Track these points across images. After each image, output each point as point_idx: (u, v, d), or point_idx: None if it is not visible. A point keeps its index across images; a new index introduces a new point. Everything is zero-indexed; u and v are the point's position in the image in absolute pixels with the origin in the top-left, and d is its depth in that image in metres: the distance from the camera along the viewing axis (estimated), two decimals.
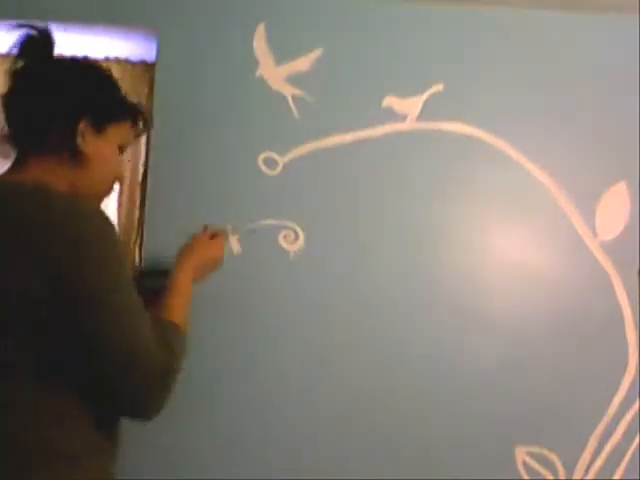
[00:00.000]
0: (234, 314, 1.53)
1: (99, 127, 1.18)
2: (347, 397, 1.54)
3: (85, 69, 1.21)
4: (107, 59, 1.87)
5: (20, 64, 1.18)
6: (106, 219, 1.07)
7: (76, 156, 1.14)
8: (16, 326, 1.01)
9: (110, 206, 1.92)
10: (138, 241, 1.55)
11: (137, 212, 1.79)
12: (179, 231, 1.55)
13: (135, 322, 1.05)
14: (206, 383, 1.41)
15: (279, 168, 1.59)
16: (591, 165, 1.60)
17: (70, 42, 1.88)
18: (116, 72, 1.78)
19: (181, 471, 1.50)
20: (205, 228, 1.51)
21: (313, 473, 1.51)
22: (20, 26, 1.17)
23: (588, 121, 1.61)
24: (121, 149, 1.25)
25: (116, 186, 1.29)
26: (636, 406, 1.54)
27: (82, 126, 1.14)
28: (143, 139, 1.88)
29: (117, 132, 1.22)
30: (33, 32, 1.18)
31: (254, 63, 1.61)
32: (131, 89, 1.90)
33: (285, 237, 1.57)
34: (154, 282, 1.36)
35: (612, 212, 1.59)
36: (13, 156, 1.17)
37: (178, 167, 1.57)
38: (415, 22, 1.63)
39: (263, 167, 1.59)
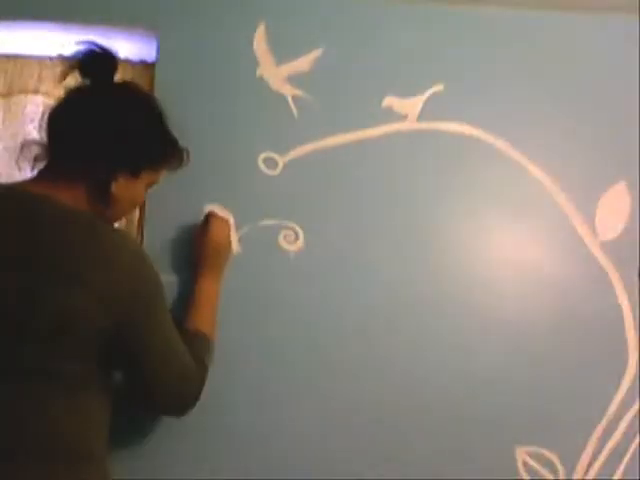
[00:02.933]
0: (234, 314, 1.53)
1: (136, 174, 1.20)
2: (347, 397, 1.54)
3: (136, 107, 1.21)
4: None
5: (81, 83, 1.19)
6: (152, 262, 1.17)
7: (106, 198, 1.16)
8: (70, 342, 1.07)
9: None
10: (138, 241, 1.55)
11: (137, 212, 1.79)
12: (179, 231, 1.55)
13: (177, 349, 1.20)
14: (206, 383, 1.40)
15: (279, 168, 1.59)
16: (591, 165, 1.60)
17: (70, 42, 1.88)
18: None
19: (181, 471, 1.50)
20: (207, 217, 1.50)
21: (313, 473, 1.51)
22: (84, 43, 1.18)
23: (588, 121, 1.61)
24: (149, 186, 1.28)
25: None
26: (636, 406, 1.54)
27: (121, 175, 1.16)
28: None
29: (151, 175, 1.25)
30: (97, 50, 1.19)
31: (254, 63, 1.61)
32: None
33: (285, 237, 1.57)
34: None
35: (612, 212, 1.59)
36: (39, 165, 1.17)
37: None
38: (415, 22, 1.63)
39: (263, 167, 1.59)
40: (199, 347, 1.30)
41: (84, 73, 1.20)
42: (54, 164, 1.17)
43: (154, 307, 1.15)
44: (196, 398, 1.26)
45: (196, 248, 1.46)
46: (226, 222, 1.49)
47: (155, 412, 1.38)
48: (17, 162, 1.21)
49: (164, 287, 1.21)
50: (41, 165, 1.18)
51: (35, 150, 1.18)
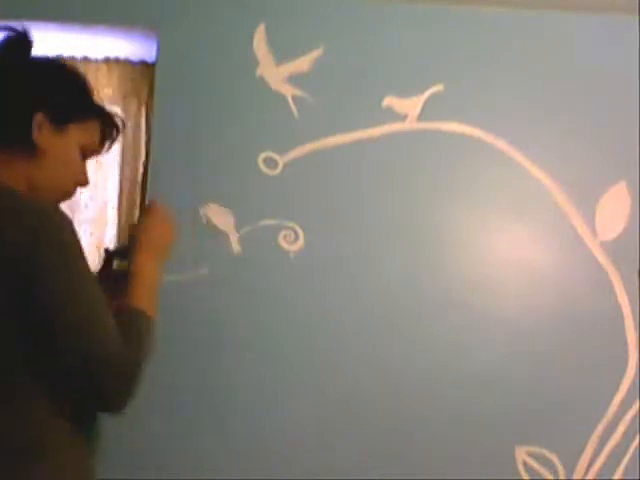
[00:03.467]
0: (234, 314, 1.53)
1: (59, 124, 1.16)
2: (347, 396, 1.54)
3: (52, 66, 1.20)
4: (107, 59, 1.87)
5: None
6: (63, 215, 1.04)
7: (32, 150, 1.13)
8: None
9: (110, 206, 1.92)
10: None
11: (137, 212, 1.80)
12: (179, 232, 1.55)
13: (95, 315, 1.03)
14: (205, 383, 1.41)
15: (279, 168, 1.59)
16: (591, 165, 1.60)
17: (70, 42, 1.88)
18: (116, 72, 1.78)
19: (182, 472, 1.50)
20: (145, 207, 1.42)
21: (312, 473, 1.51)
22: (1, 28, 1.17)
23: (588, 121, 1.61)
24: (85, 153, 1.22)
25: (81, 189, 1.26)
26: (636, 406, 1.54)
27: (39, 118, 1.13)
28: (143, 138, 1.88)
29: (79, 132, 1.19)
30: (12, 34, 1.18)
31: (254, 63, 1.60)
32: (131, 89, 1.91)
33: (285, 237, 1.57)
34: (122, 263, 1.31)
35: (612, 212, 1.59)
36: None
37: (178, 167, 1.57)
38: (415, 22, 1.63)
39: (263, 167, 1.59)
40: (133, 323, 1.11)
41: (1, 57, 1.20)
42: None
43: (60, 270, 1.01)
44: (129, 383, 1.04)
45: (138, 234, 1.34)
46: (159, 212, 1.37)
47: (89, 404, 1.10)
48: None
49: (77, 247, 1.04)
50: None
51: None
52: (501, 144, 1.60)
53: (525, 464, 1.53)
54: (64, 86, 1.20)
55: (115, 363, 1.02)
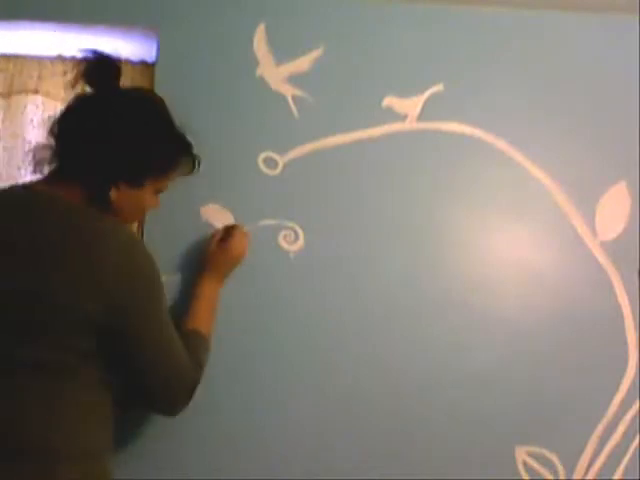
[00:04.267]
0: (234, 314, 1.53)
1: (138, 184, 1.20)
2: (347, 396, 1.54)
3: (142, 113, 1.22)
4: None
5: (88, 91, 1.22)
6: (152, 256, 1.18)
7: (105, 204, 1.16)
8: (65, 334, 1.07)
9: None
10: (138, 237, 1.55)
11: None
12: (179, 231, 1.55)
13: (173, 345, 1.20)
14: (205, 383, 1.40)
15: (279, 168, 1.59)
16: (591, 165, 1.60)
17: (70, 42, 1.88)
18: None
19: (181, 472, 1.50)
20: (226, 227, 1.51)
21: (312, 473, 1.51)
22: (88, 52, 1.20)
23: (588, 121, 1.62)
24: (157, 192, 1.28)
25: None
26: (636, 406, 1.54)
27: (121, 183, 1.17)
28: None
29: (156, 182, 1.25)
30: (103, 60, 1.20)
31: (254, 63, 1.61)
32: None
33: (285, 237, 1.57)
34: None
35: (612, 212, 1.59)
36: (45, 168, 1.19)
37: None
38: (415, 22, 1.63)
39: (263, 167, 1.59)
40: (197, 346, 1.30)
41: (89, 81, 1.21)
42: (59, 167, 1.18)
43: (148, 304, 1.15)
44: (189, 397, 1.25)
45: (211, 254, 1.46)
46: (247, 238, 1.50)
47: (149, 409, 1.36)
48: (26, 164, 1.25)
49: (161, 282, 1.20)
50: (48, 167, 1.20)
51: (41, 153, 1.20)
52: (501, 144, 1.60)
53: (525, 464, 1.53)
54: (151, 145, 1.22)
55: (186, 382, 1.22)
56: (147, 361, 1.15)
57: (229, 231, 1.49)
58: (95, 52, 1.21)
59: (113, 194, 1.16)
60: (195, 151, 1.33)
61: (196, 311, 1.39)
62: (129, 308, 1.10)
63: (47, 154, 1.19)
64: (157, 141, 1.22)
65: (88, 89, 1.23)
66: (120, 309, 1.09)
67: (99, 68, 1.21)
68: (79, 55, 1.21)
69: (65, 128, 1.19)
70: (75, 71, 1.21)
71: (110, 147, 1.16)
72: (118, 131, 1.17)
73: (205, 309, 1.41)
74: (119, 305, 1.08)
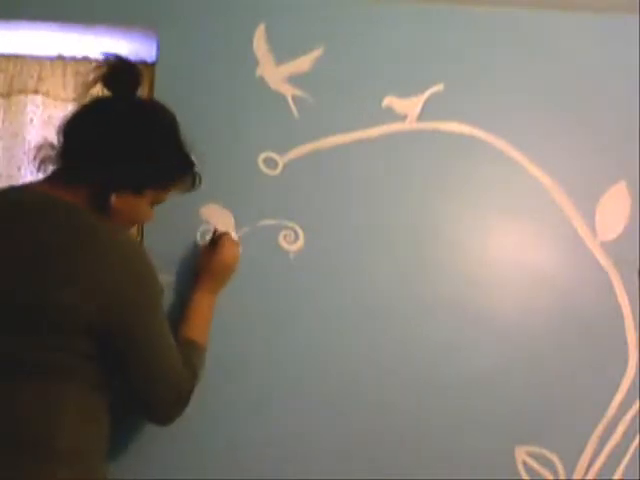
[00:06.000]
0: (234, 314, 1.53)
1: (139, 191, 1.20)
2: (345, 397, 1.54)
3: (153, 128, 1.22)
4: (106, 57, 1.87)
5: (105, 95, 1.22)
6: (150, 261, 1.17)
7: (105, 207, 1.16)
8: (64, 334, 1.07)
9: None
10: (138, 239, 1.55)
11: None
12: (179, 231, 1.55)
13: (169, 352, 1.19)
14: (205, 383, 1.40)
15: (279, 168, 1.59)
16: (591, 165, 1.60)
17: (70, 42, 1.88)
18: None
19: (180, 472, 1.50)
20: (213, 233, 1.50)
21: (312, 473, 1.51)
22: (111, 55, 1.20)
23: (588, 121, 1.61)
24: (154, 204, 1.28)
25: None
26: (636, 406, 1.54)
27: (123, 189, 1.17)
28: None
29: (156, 193, 1.25)
30: (125, 65, 1.21)
31: (254, 63, 1.60)
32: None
33: (285, 237, 1.57)
34: None
35: (612, 212, 1.59)
36: (48, 167, 1.19)
37: None
38: (415, 22, 1.63)
39: (263, 167, 1.59)
40: (193, 355, 1.30)
41: (108, 85, 1.22)
42: (62, 167, 1.18)
43: (146, 308, 1.14)
44: (183, 406, 1.24)
45: (202, 263, 1.46)
46: (237, 245, 1.49)
47: (143, 416, 1.34)
48: (28, 163, 1.25)
49: (160, 287, 1.20)
50: (51, 167, 1.20)
51: (46, 152, 1.20)
52: (501, 144, 1.60)
53: (525, 464, 1.53)
54: (156, 156, 1.23)
55: (180, 391, 1.21)
56: (142, 365, 1.15)
57: (218, 239, 1.47)
58: (118, 57, 1.22)
59: (114, 199, 1.16)
60: (197, 169, 1.33)
61: (192, 321, 1.38)
62: (127, 309, 1.10)
63: (52, 153, 1.19)
64: (164, 154, 1.23)
65: (103, 92, 1.23)
66: (118, 310, 1.08)
67: (121, 73, 1.21)
68: (100, 57, 1.23)
69: (75, 129, 1.19)
70: (95, 73, 1.21)
71: (118, 152, 1.16)
72: (128, 137, 1.18)
73: (200, 320, 1.39)
74: (117, 306, 1.08)
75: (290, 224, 1.57)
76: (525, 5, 1.62)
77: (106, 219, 1.16)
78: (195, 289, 1.43)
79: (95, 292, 1.06)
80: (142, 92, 1.83)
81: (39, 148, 1.20)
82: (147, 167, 1.20)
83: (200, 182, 1.37)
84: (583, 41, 1.63)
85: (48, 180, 1.18)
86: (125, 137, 1.18)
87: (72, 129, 1.19)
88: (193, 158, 1.31)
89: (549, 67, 1.62)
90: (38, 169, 1.20)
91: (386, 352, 1.55)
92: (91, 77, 1.23)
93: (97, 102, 1.22)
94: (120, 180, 1.17)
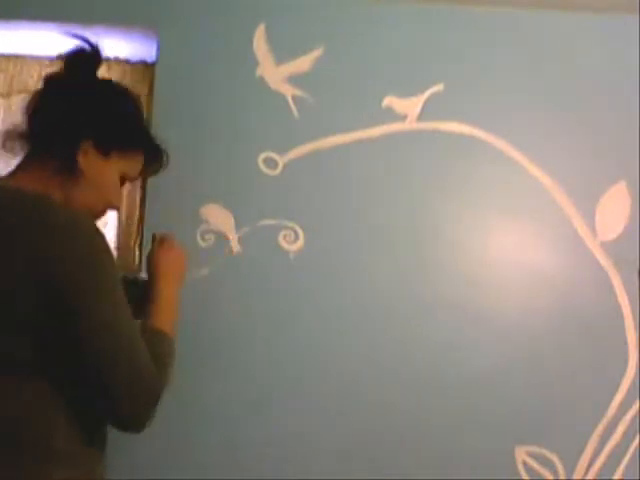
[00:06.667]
0: (234, 314, 1.53)
1: (104, 150, 1.18)
2: (346, 397, 1.54)
3: (112, 92, 1.22)
4: (107, 59, 1.87)
5: (60, 73, 1.20)
6: (103, 237, 1.07)
7: (73, 170, 1.14)
8: (17, 326, 1.01)
9: None
10: (138, 241, 1.55)
11: (137, 212, 1.79)
12: (179, 232, 1.55)
13: (133, 344, 1.07)
14: (205, 383, 1.41)
15: (279, 168, 1.59)
16: (591, 165, 1.60)
17: (70, 42, 1.88)
18: (116, 72, 1.78)
19: (180, 472, 1.50)
20: (153, 238, 1.42)
21: (312, 474, 1.51)
22: (73, 35, 1.19)
23: (588, 121, 1.61)
24: (123, 179, 1.24)
25: (110, 212, 1.28)
26: (636, 406, 1.54)
27: (86, 144, 1.15)
28: None
29: (122, 160, 1.21)
30: (85, 47, 1.20)
31: (254, 63, 1.61)
32: (131, 89, 1.90)
33: (285, 237, 1.57)
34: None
35: (612, 212, 1.59)
36: (19, 157, 1.18)
37: (178, 167, 1.57)
38: (415, 22, 1.63)
39: (263, 167, 1.59)
40: (159, 346, 1.16)
41: (68, 67, 1.21)
42: (29, 149, 1.17)
43: (93, 292, 1.04)
44: (154, 404, 1.09)
45: (160, 262, 1.32)
46: (176, 249, 1.34)
47: (110, 423, 1.14)
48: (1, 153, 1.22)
49: (114, 273, 1.08)
50: (18, 155, 1.19)
51: (11, 136, 1.19)
52: (501, 144, 1.60)
53: (525, 464, 1.53)
54: (119, 115, 1.22)
55: (151, 384, 1.08)
56: (96, 356, 1.03)
57: (157, 245, 1.34)
58: (82, 38, 1.21)
59: (81, 158, 1.15)
60: (162, 146, 1.29)
61: (154, 310, 1.24)
62: (71, 293, 1.01)
63: (16, 137, 1.18)
64: (127, 114, 1.22)
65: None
66: (61, 294, 1.00)
67: (81, 56, 1.21)
68: (68, 41, 1.22)
69: (36, 105, 1.19)
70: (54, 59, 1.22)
71: (80, 113, 1.15)
72: (89, 100, 1.17)
73: (164, 308, 1.25)
74: (60, 289, 1.02)
75: (290, 224, 1.57)
76: (525, 5, 1.62)
77: (72, 200, 1.14)
78: (158, 280, 1.28)
79: (35, 273, 1.01)
80: (142, 92, 1.84)
81: (4, 134, 1.19)
82: (111, 126, 1.18)
83: (168, 160, 1.31)
84: (583, 41, 1.63)
85: (15, 169, 1.16)
86: (90, 100, 1.17)
87: (35, 103, 1.19)
88: (157, 140, 1.27)
89: (549, 67, 1.62)
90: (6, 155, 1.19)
91: (386, 352, 1.55)
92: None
93: (56, 76, 1.22)
94: (85, 135, 1.15)
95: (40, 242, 1.02)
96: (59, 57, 1.22)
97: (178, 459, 1.50)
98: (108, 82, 1.25)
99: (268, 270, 1.56)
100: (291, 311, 1.55)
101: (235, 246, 1.56)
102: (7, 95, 2.04)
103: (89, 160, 1.15)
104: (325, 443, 1.53)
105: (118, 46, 1.78)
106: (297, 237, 1.57)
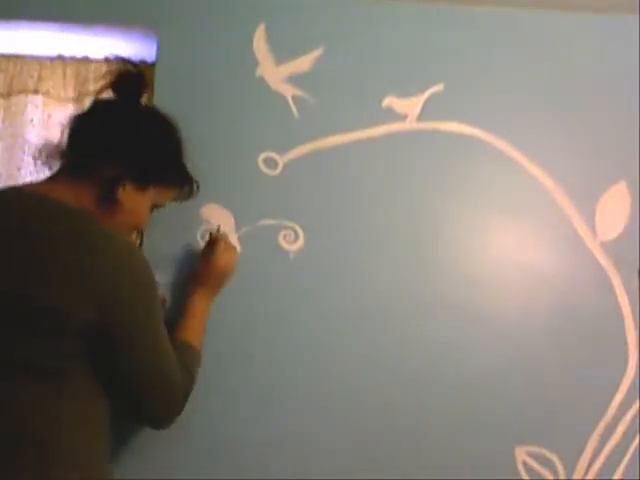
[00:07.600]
0: (234, 314, 1.53)
1: (143, 185, 1.22)
2: (346, 397, 1.54)
3: (157, 128, 1.26)
4: (107, 59, 1.87)
5: (109, 96, 1.25)
6: (150, 266, 1.16)
7: (111, 201, 1.17)
8: (45, 330, 1.06)
9: None
10: (138, 241, 1.55)
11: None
12: (179, 231, 1.55)
13: (169, 362, 1.19)
14: (205, 383, 1.40)
15: (279, 168, 1.59)
16: (591, 165, 1.60)
17: (70, 42, 1.89)
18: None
19: (180, 472, 1.50)
20: (210, 234, 1.50)
21: (311, 474, 1.51)
22: (120, 60, 1.23)
23: (588, 121, 1.61)
24: (154, 207, 1.29)
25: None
26: (636, 406, 1.54)
27: (128, 181, 1.18)
28: None
29: (157, 194, 1.27)
30: (132, 69, 1.23)
31: (254, 63, 1.61)
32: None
33: (285, 237, 1.57)
34: None
35: (612, 212, 1.59)
36: (53, 169, 1.20)
37: None
38: (415, 22, 1.63)
39: (263, 167, 1.59)
40: (189, 358, 1.30)
41: (115, 90, 1.25)
42: (68, 164, 1.19)
43: (143, 309, 1.14)
44: (180, 408, 1.24)
45: (198, 266, 1.46)
46: (233, 249, 1.49)
47: (137, 420, 1.34)
48: (29, 163, 1.26)
49: (156, 290, 1.19)
50: (54, 167, 1.20)
51: (50, 150, 1.21)
52: (501, 144, 1.60)
53: (525, 464, 1.53)
54: (162, 152, 1.28)
55: (179, 389, 1.22)
56: (139, 367, 1.14)
57: (214, 243, 1.46)
58: (126, 61, 1.24)
59: (120, 190, 1.17)
60: (195, 178, 1.37)
61: (187, 326, 1.38)
62: (123, 311, 1.10)
63: (56, 152, 1.20)
64: (169, 153, 1.27)
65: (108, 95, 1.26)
66: (114, 311, 1.08)
67: (129, 80, 1.24)
68: (106, 59, 1.26)
69: (84, 124, 1.21)
70: (104, 78, 1.24)
71: (126, 145, 1.18)
72: (133, 132, 1.20)
73: (196, 324, 1.40)
74: (113, 307, 1.08)
75: (290, 224, 1.57)
76: (525, 5, 1.62)
77: (104, 221, 1.15)
78: (190, 292, 1.43)
79: (92, 293, 1.06)
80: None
81: (42, 147, 1.21)
82: (153, 162, 1.22)
83: (198, 189, 1.39)
84: (583, 41, 1.63)
85: (48, 180, 1.18)
86: (134, 133, 1.20)
87: (81, 125, 1.22)
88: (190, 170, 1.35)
89: (549, 67, 1.62)
90: (41, 168, 1.21)
91: (386, 352, 1.55)
92: (100, 83, 1.26)
93: (105, 102, 1.25)
94: (127, 170, 1.18)
95: (89, 260, 1.06)
96: (109, 74, 1.24)
97: (178, 459, 1.50)
98: (155, 114, 1.28)
99: (268, 270, 1.56)
100: (291, 311, 1.55)
101: (235, 246, 1.56)
102: (7, 95, 2.04)
103: (127, 193, 1.19)
104: (325, 443, 1.53)
105: (118, 46, 1.78)
106: (297, 237, 1.57)
